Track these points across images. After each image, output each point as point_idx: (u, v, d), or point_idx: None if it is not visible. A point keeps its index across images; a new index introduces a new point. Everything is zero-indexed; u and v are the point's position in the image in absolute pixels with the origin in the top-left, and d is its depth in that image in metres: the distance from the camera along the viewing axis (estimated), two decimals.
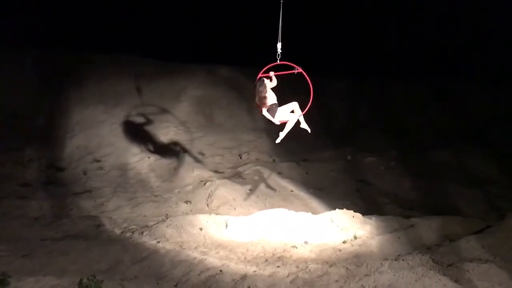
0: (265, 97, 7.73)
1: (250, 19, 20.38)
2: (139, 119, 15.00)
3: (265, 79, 7.82)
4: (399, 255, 7.95)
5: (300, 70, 7.70)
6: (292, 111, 7.97)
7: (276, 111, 7.85)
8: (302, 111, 7.94)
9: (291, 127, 7.95)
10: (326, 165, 14.64)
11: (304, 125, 8.15)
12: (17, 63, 15.99)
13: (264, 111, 7.87)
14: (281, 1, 7.92)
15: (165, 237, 8.71)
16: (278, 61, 7.84)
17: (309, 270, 7.28)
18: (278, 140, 8.20)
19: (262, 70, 7.93)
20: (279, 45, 7.87)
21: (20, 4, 18.10)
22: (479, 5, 19.23)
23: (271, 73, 7.85)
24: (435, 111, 19.00)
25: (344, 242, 8.75)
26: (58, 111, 15.20)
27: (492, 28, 19.65)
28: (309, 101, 7.86)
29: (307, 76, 7.71)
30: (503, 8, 18.37)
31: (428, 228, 9.17)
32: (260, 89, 7.74)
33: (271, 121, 7.99)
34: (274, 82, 7.87)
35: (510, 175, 13.69)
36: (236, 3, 20.79)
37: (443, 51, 21.33)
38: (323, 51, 21.49)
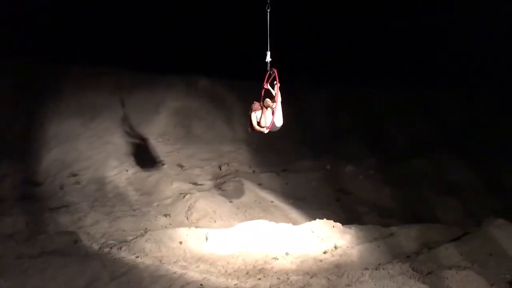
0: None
1: (230, 30, 20.42)
2: (117, 132, 14.86)
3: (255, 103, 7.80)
4: (380, 264, 7.99)
5: (275, 72, 7.63)
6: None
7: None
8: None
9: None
10: (306, 175, 14.66)
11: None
12: None
13: (256, 127, 7.88)
14: (268, 10, 7.90)
15: (144, 251, 8.59)
16: (268, 69, 7.81)
17: (290, 281, 7.26)
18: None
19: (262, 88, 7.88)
20: (268, 54, 7.85)
21: None
22: (457, 14, 19.65)
23: (266, 86, 7.83)
24: (412, 119, 19.24)
25: (324, 253, 8.76)
26: (34, 124, 14.95)
27: (468, 35, 20.03)
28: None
29: (277, 74, 7.65)
30: (480, 16, 18.78)
31: (407, 236, 9.24)
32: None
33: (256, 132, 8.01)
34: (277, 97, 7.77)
35: (486, 182, 13.92)
36: (215, 13, 20.82)
37: (418, 58, 21.64)
38: (302, 60, 21.62)
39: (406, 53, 21.46)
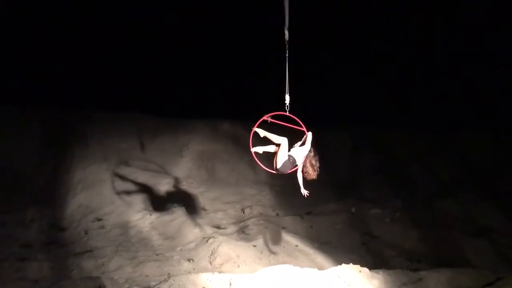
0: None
1: (251, 74, 20.83)
2: (141, 176, 15.01)
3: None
4: None
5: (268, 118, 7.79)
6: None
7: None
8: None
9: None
10: (330, 218, 14.44)
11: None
12: (19, 122, 16.16)
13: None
14: (287, 55, 8.04)
15: None
16: (287, 112, 7.90)
17: None
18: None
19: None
20: (287, 97, 7.94)
21: (22, 63, 18.58)
22: (479, 51, 19.72)
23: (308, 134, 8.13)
24: (437, 159, 18.93)
25: None
26: (60, 170, 15.22)
27: (493, 74, 19.97)
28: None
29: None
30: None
31: (437, 281, 8.93)
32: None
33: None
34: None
35: None
36: (237, 58, 21.33)
37: (444, 97, 21.53)
38: (322, 102, 21.76)
39: (430, 93, 21.44)
